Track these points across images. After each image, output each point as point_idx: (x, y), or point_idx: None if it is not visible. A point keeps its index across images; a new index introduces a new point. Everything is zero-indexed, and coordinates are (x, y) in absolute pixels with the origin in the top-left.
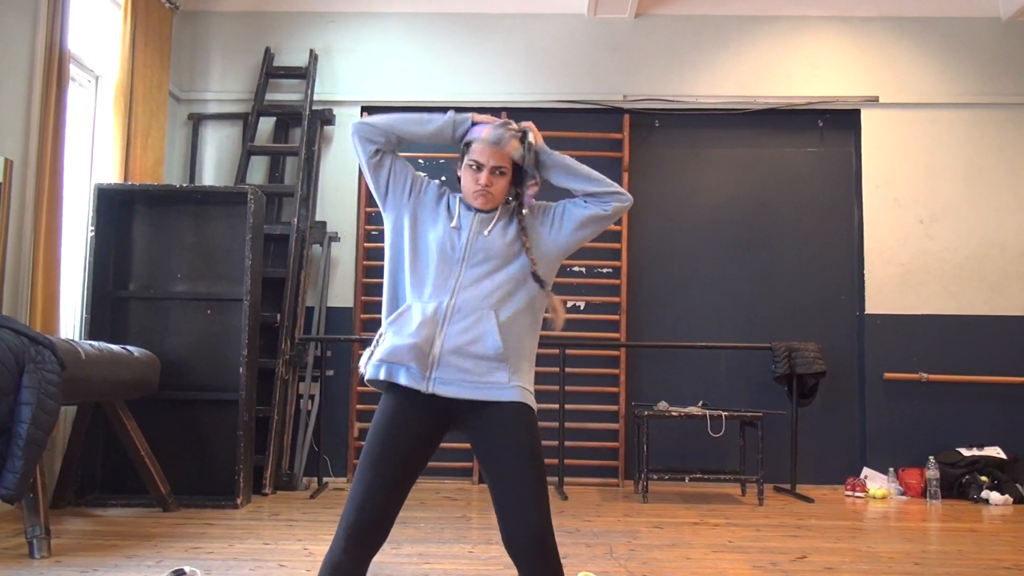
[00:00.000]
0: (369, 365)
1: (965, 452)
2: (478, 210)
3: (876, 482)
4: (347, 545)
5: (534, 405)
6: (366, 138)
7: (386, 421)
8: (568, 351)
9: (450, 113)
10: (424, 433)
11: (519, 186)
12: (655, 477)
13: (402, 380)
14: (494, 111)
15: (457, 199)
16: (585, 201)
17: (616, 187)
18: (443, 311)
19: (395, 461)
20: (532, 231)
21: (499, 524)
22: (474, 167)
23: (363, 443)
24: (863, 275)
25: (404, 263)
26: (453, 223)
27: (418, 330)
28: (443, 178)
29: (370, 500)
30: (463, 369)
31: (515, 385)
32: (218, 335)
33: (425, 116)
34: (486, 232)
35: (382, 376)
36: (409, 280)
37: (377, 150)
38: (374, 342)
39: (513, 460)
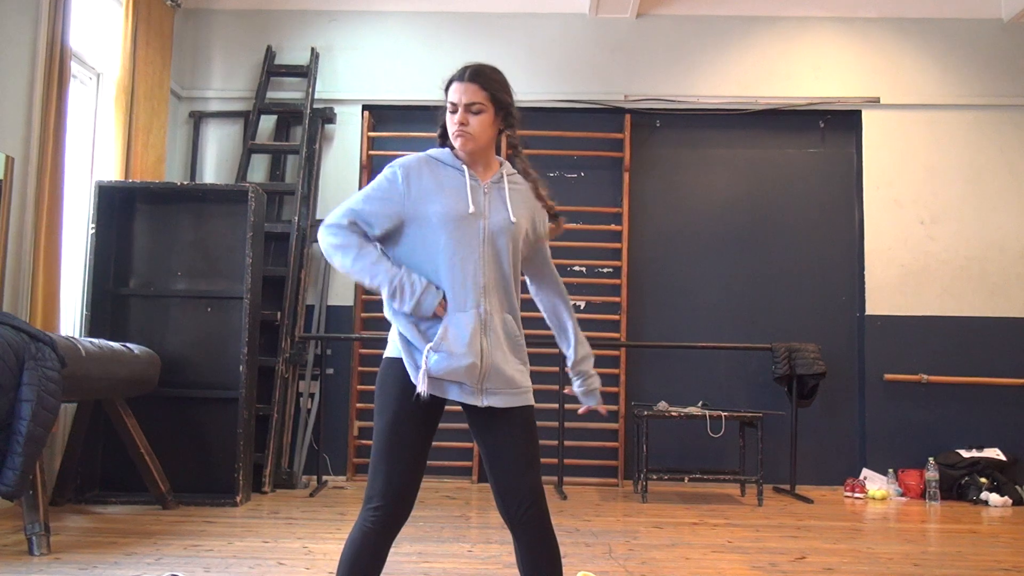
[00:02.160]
0: (420, 380)
1: (965, 454)
2: (480, 176)
3: (875, 483)
4: (381, 515)
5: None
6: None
7: (399, 393)
8: None
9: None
10: (433, 402)
11: (509, 131)
12: (654, 477)
13: (453, 396)
14: None
15: (465, 175)
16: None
17: None
18: (482, 319)
19: (417, 430)
20: (527, 202)
21: (494, 489)
22: (452, 110)
23: (363, 442)
24: (863, 276)
25: (432, 264)
26: (471, 209)
27: (470, 346)
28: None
29: (398, 469)
30: (504, 378)
31: (527, 389)
32: (218, 333)
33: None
34: (500, 209)
35: (436, 393)
36: (436, 278)
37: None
38: (404, 342)
39: (516, 433)
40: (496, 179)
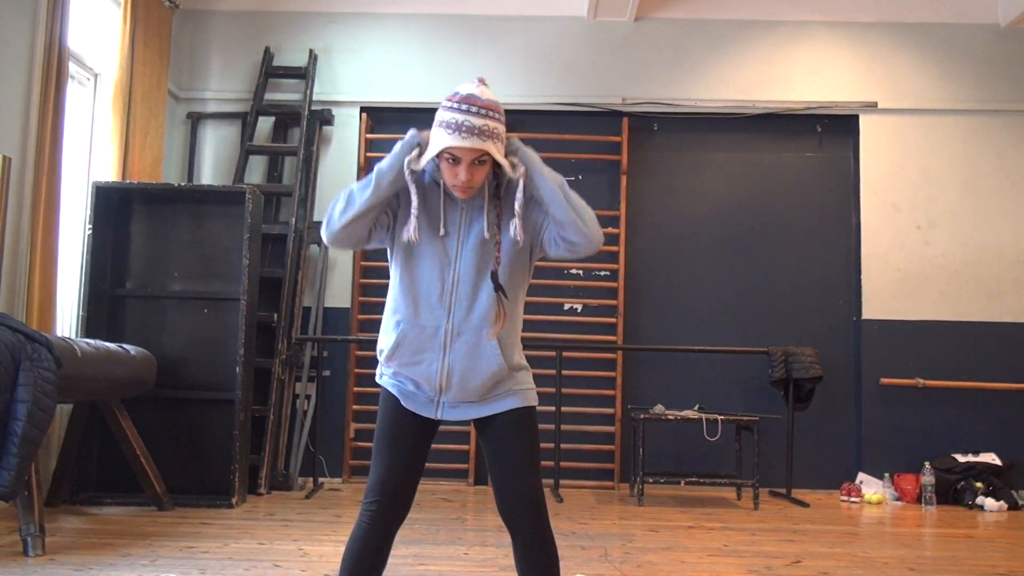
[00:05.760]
0: (383, 377)
1: (960, 458)
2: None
3: (871, 487)
4: (376, 509)
5: (535, 400)
6: (347, 245)
7: (395, 403)
8: (565, 354)
9: (397, 146)
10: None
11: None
12: (651, 480)
13: (408, 406)
14: None
15: (440, 189)
16: (562, 238)
17: (597, 236)
18: (442, 336)
19: (408, 435)
20: (521, 208)
21: (494, 492)
22: (451, 160)
23: (359, 444)
24: (860, 280)
25: (400, 275)
26: (441, 232)
27: (427, 363)
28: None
29: (392, 468)
30: (466, 390)
31: (516, 391)
32: (215, 334)
33: (370, 176)
34: (477, 233)
35: (394, 393)
36: (404, 293)
37: (366, 237)
38: (384, 349)
39: (510, 437)
40: (476, 194)
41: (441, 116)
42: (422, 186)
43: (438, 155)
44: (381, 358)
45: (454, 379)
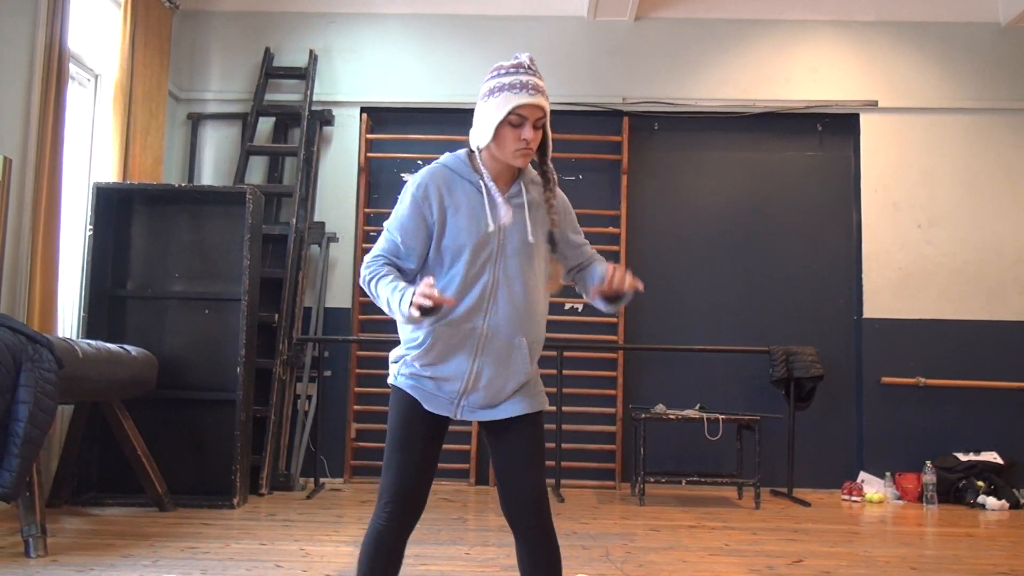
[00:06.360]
0: (399, 378)
1: (962, 457)
2: (505, 185)
3: (873, 486)
4: (392, 510)
5: (546, 403)
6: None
7: (409, 404)
8: (566, 353)
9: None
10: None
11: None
12: (652, 480)
13: (428, 407)
14: None
15: (483, 185)
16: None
17: None
18: (476, 338)
19: (421, 438)
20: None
21: (499, 490)
22: (515, 123)
23: (360, 444)
24: (861, 279)
25: (438, 274)
26: (491, 228)
27: (457, 363)
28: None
29: (406, 468)
30: (490, 395)
31: (532, 396)
32: (216, 335)
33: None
34: (518, 227)
35: (412, 394)
36: (441, 292)
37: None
38: (407, 350)
39: (518, 437)
40: (515, 191)
41: (499, 81)
42: (452, 192)
43: (496, 119)
44: (407, 357)
45: (481, 382)
